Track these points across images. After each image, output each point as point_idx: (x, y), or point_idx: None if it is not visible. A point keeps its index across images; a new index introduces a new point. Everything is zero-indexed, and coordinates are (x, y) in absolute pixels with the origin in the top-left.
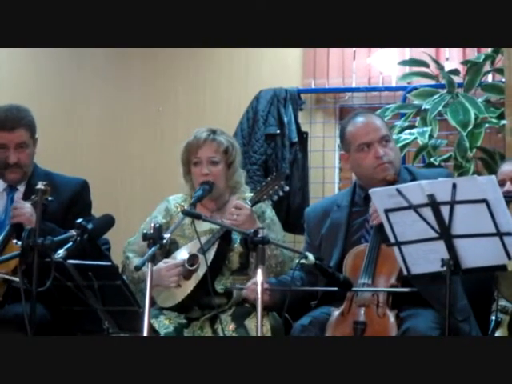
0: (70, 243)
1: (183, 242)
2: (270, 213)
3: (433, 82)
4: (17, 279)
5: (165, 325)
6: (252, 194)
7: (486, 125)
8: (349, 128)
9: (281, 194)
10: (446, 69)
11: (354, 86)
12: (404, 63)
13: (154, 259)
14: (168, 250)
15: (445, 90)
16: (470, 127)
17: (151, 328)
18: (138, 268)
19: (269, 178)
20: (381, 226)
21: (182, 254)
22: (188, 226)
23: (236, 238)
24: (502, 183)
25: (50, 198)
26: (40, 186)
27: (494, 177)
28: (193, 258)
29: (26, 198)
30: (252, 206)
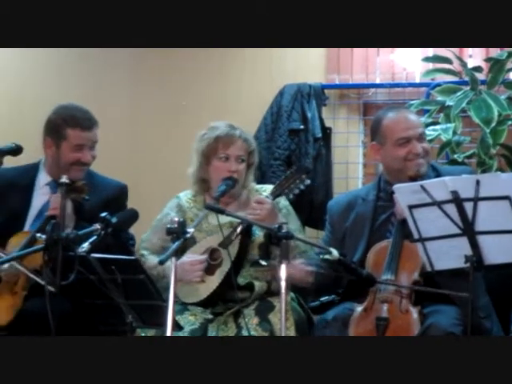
0: (94, 237)
1: (201, 236)
2: (284, 202)
3: (456, 79)
4: (37, 279)
5: (190, 321)
6: (259, 186)
7: (509, 122)
8: (386, 121)
9: (302, 187)
10: (469, 66)
11: (377, 81)
12: (427, 60)
13: (177, 254)
14: (185, 245)
15: (468, 87)
16: (493, 124)
17: (176, 323)
18: (162, 262)
19: (288, 172)
20: (404, 221)
21: (198, 249)
22: (205, 220)
23: (254, 229)
24: None
25: (86, 197)
26: (64, 179)
27: None
28: (214, 253)
29: None
30: (273, 200)
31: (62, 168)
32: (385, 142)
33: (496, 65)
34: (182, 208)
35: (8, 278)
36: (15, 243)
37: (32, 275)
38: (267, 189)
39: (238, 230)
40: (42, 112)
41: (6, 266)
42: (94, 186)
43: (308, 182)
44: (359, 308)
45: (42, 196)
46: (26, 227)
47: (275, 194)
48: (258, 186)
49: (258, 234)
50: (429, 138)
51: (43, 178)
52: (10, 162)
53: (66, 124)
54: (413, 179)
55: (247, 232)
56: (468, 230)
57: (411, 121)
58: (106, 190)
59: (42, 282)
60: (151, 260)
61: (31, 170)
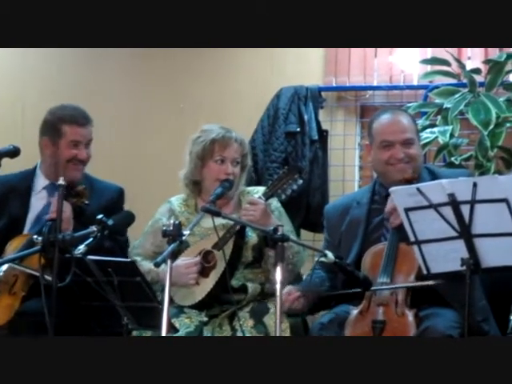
0: (90, 239)
1: (193, 240)
2: (276, 204)
3: (454, 81)
4: (35, 273)
5: (186, 324)
6: (251, 188)
7: (508, 124)
8: (376, 122)
9: (295, 187)
10: (468, 68)
11: (375, 84)
12: (426, 62)
13: (173, 256)
14: (179, 249)
15: (466, 89)
16: (491, 126)
17: (171, 326)
18: (157, 264)
19: (281, 172)
20: (400, 224)
21: (192, 252)
22: (197, 224)
23: (247, 231)
24: None
25: (86, 202)
26: (61, 181)
27: None
28: (208, 255)
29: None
30: (266, 201)
31: (59, 168)
32: (372, 143)
33: (495, 67)
34: (173, 213)
35: (6, 278)
36: (14, 246)
37: (34, 272)
38: (259, 191)
39: (232, 231)
40: (43, 114)
41: (4, 267)
42: (93, 190)
43: (301, 181)
44: (355, 311)
45: (40, 200)
46: (25, 231)
47: (268, 195)
48: (250, 188)
49: (252, 236)
50: (426, 140)
51: (40, 182)
52: (8, 165)
53: (63, 121)
54: (407, 182)
55: (240, 234)
56: (465, 232)
57: (400, 125)
58: (105, 195)
59: (49, 278)
60: (145, 265)
61: (29, 175)
